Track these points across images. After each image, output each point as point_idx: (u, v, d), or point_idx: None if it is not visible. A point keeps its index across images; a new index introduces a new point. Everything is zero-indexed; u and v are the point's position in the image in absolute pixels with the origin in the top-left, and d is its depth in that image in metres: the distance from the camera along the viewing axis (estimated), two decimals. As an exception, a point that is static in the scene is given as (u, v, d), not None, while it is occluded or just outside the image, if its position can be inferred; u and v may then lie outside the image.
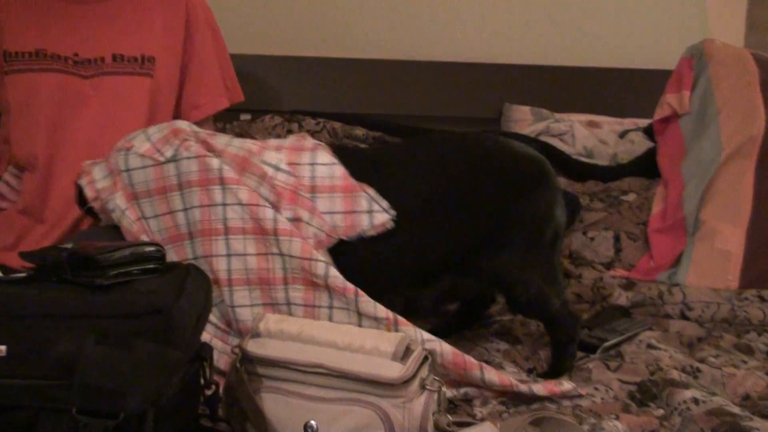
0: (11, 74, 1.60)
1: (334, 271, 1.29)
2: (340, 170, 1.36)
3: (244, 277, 1.31)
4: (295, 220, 1.32)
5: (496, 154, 1.45)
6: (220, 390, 1.10)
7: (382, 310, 1.28)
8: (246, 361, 1.10)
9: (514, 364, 1.47)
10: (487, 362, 1.38)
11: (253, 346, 1.10)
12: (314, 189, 1.34)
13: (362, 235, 1.33)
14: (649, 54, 2.59)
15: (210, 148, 1.36)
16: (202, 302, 1.04)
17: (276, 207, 1.32)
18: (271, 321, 1.12)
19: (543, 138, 2.30)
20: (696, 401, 1.23)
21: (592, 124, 2.40)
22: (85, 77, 1.60)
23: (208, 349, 1.04)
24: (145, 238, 1.33)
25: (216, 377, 1.07)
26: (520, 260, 1.40)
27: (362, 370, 1.05)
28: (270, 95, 2.38)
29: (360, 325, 1.28)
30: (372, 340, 1.08)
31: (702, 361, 1.46)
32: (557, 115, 2.40)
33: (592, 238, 1.99)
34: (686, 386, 1.30)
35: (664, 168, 2.10)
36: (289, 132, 2.17)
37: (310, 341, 1.09)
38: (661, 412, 1.26)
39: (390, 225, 1.33)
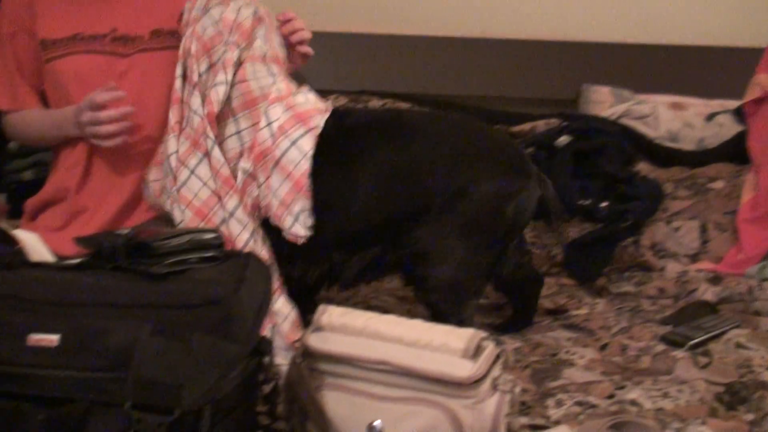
0: (48, 63, 1.59)
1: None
2: (305, 165, 1.41)
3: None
4: (251, 176, 1.42)
5: (454, 136, 1.48)
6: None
7: None
8: (307, 356, 1.07)
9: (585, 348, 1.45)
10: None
11: (315, 341, 1.06)
12: (276, 165, 1.41)
13: (280, 230, 1.41)
14: (738, 31, 2.48)
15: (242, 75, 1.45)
16: (262, 293, 1.01)
17: (242, 153, 1.42)
18: (335, 314, 1.08)
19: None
20: (792, 408, 1.19)
21: (676, 106, 2.33)
22: (123, 55, 1.57)
23: (267, 343, 1.00)
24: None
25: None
26: (446, 245, 1.41)
27: (430, 368, 1.01)
28: (335, 74, 2.32)
29: None
30: (441, 336, 1.04)
31: (797, 363, 1.41)
32: (639, 97, 2.34)
33: (676, 229, 1.96)
34: (781, 391, 1.25)
35: (756, 153, 2.04)
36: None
37: (375, 336, 1.05)
38: (751, 417, 1.21)
39: (300, 242, 1.40)
